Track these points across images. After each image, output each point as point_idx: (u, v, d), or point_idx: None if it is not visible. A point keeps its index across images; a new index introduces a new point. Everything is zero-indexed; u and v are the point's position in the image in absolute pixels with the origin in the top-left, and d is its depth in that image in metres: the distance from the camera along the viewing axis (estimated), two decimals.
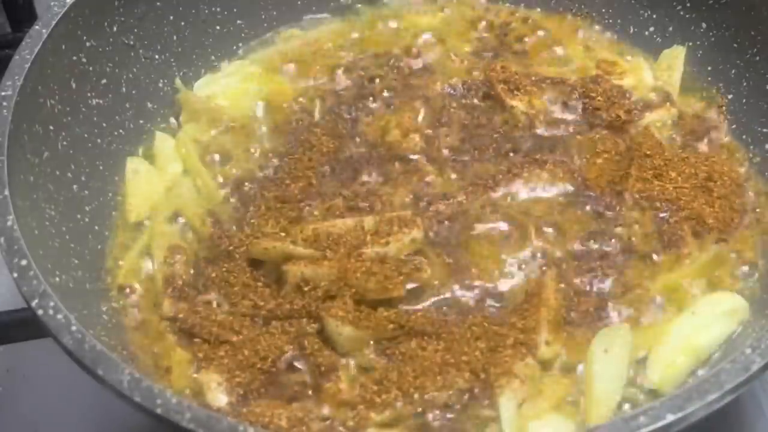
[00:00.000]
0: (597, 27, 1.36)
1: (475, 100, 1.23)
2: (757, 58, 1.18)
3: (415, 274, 1.01)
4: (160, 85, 1.25)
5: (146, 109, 1.22)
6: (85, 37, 1.12)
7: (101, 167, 1.13)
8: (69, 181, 1.07)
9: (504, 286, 1.02)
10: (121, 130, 1.18)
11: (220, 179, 1.17)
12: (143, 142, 1.21)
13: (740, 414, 1.07)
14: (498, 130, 1.19)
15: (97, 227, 1.09)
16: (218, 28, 1.31)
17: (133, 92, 1.20)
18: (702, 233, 1.08)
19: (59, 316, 0.81)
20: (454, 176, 1.14)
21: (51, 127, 1.06)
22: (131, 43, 1.20)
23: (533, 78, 1.24)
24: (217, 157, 1.19)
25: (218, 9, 1.30)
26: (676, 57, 1.27)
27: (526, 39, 1.34)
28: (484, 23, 1.37)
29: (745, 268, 1.06)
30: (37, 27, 1.06)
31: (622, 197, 1.11)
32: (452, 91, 1.24)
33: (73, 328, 0.80)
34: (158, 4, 1.22)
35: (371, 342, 0.96)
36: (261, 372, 0.96)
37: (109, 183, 1.14)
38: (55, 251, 0.98)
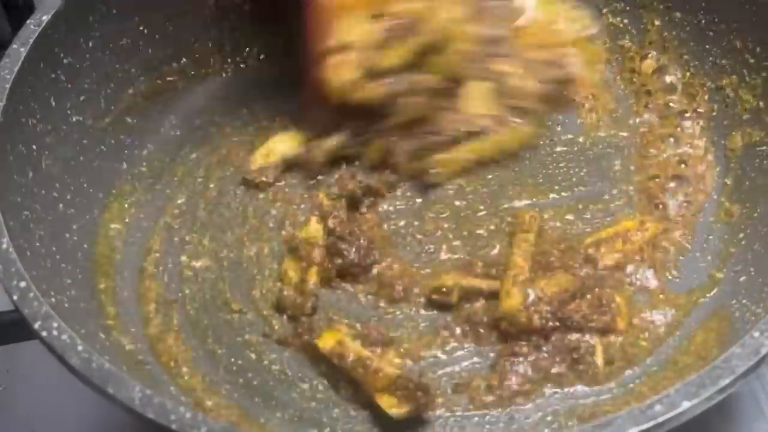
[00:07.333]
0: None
1: None
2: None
3: None
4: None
5: (126, 125, 1.21)
6: (62, 55, 1.10)
7: (85, 184, 1.12)
8: (54, 201, 1.05)
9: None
10: (102, 147, 1.16)
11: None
12: (125, 158, 1.20)
13: (740, 414, 1.07)
14: None
15: (85, 245, 1.08)
16: (196, 45, 1.29)
17: (112, 108, 1.19)
18: None
19: (64, 337, 0.80)
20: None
21: (33, 147, 1.04)
22: (108, 58, 1.18)
23: None
24: None
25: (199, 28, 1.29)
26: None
27: None
28: None
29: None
30: (15, 46, 1.04)
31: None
32: None
33: (80, 347, 0.79)
34: (136, 19, 1.20)
35: None
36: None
37: (94, 200, 1.13)
38: (47, 272, 0.96)
